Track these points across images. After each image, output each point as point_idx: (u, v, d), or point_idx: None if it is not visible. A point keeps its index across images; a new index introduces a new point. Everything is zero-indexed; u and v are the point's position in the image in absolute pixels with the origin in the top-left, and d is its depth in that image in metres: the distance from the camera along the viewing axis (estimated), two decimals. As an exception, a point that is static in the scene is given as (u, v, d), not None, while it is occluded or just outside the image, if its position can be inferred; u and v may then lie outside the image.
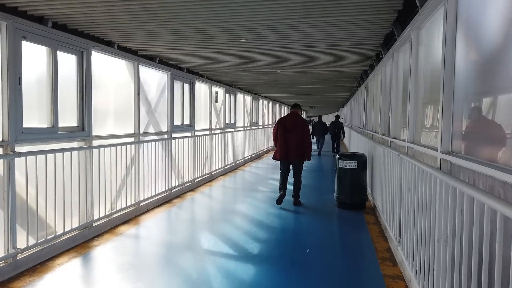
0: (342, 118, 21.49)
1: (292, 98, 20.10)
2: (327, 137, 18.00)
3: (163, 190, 7.13)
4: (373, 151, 6.67)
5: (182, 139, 7.97)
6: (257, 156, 15.94)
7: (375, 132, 7.50)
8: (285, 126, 6.78)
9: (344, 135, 18.10)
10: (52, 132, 4.41)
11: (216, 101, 10.76)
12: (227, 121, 11.74)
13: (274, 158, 6.94)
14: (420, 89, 3.91)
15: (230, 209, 6.82)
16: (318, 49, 6.16)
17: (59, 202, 4.40)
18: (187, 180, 8.30)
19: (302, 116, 7.55)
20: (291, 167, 6.91)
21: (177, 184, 7.83)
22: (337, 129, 17.21)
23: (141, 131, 6.55)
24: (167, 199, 7.29)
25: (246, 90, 14.13)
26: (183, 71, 8.25)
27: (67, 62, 4.79)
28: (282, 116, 9.32)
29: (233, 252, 4.57)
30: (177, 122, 7.99)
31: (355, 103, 14.11)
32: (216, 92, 10.79)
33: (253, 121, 15.89)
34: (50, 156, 4.25)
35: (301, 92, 15.98)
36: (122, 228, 5.46)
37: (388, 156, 4.78)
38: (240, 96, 13.59)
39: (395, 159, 4.27)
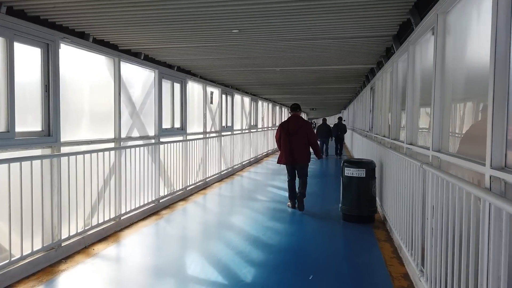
0: (344, 120, 20.93)
1: (292, 100, 19.41)
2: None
3: (150, 200, 6.43)
4: (383, 157, 5.96)
5: (172, 144, 7.28)
6: (256, 161, 15.23)
7: (384, 136, 6.79)
8: (288, 129, 6.64)
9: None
10: (7, 138, 3.72)
11: (211, 102, 10.06)
12: (224, 124, 11.04)
13: (279, 162, 6.81)
14: (447, 86, 3.21)
15: (223, 223, 6.11)
16: (321, 43, 5.46)
17: (16, 220, 3.70)
18: (178, 189, 7.60)
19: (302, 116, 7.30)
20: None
21: (166, 193, 7.13)
22: (340, 131, 16.94)
23: (123, 135, 5.86)
24: (155, 210, 6.59)
25: (244, 91, 13.44)
26: (173, 69, 7.56)
27: (31, 56, 4.11)
28: (284, 119, 8.87)
29: (222, 279, 3.86)
30: (166, 125, 7.29)
31: (359, 104, 13.42)
32: (211, 93, 10.10)
33: (252, 124, 15.19)
34: (3, 167, 3.56)
35: (302, 93, 15.29)
36: (98, 247, 4.75)
37: (405, 165, 4.08)
38: (237, 97, 12.89)
39: (415, 170, 3.57)
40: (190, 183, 8.19)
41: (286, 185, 6.98)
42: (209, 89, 9.91)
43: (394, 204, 4.86)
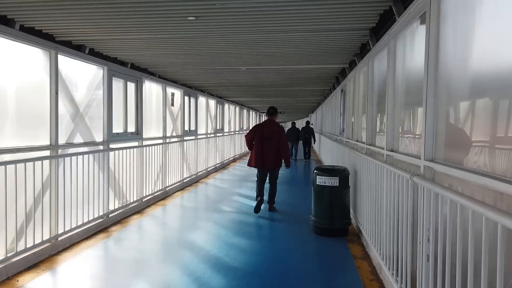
0: (312, 124, 20.92)
1: (260, 103, 18.94)
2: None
3: (97, 215, 5.59)
4: (357, 164, 5.45)
5: (124, 150, 6.46)
6: (222, 166, 14.52)
7: (358, 141, 6.31)
8: (262, 133, 6.62)
9: (315, 141, 18.07)
10: None
11: (172, 104, 9.29)
12: (187, 128, 10.27)
13: (249, 165, 6.82)
14: (441, 82, 2.69)
15: (182, 240, 5.36)
16: (290, 36, 4.87)
17: None
18: (132, 200, 6.79)
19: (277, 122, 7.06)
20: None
21: (117, 207, 6.30)
22: (307, 134, 17.11)
23: (62, 141, 5.01)
24: (103, 226, 5.75)
25: (209, 93, 12.72)
26: (127, 67, 6.76)
27: None
28: (252, 123, 8.45)
29: (174, 318, 3.15)
30: (118, 129, 6.47)
31: (328, 107, 13.04)
32: (172, 94, 9.32)
33: (218, 128, 14.48)
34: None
35: (270, 96, 14.77)
36: (24, 278, 3.90)
37: (387, 174, 3.54)
38: (202, 99, 12.15)
39: (402, 182, 3.03)
40: (147, 194, 7.38)
41: (253, 194, 6.48)
42: (170, 90, 9.13)
43: (371, 217, 4.33)
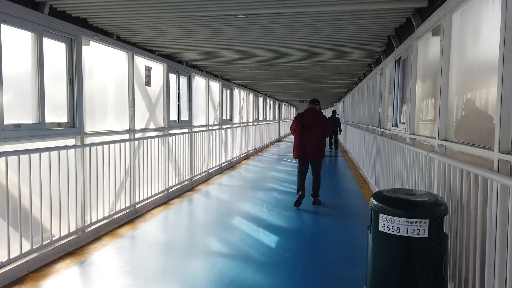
0: (338, 114, 20.97)
1: (274, 87, 15.79)
2: None
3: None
4: (456, 186, 2.97)
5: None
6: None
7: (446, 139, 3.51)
8: (303, 123, 6.35)
9: (341, 131, 18.00)
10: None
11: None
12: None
13: (294, 156, 6.57)
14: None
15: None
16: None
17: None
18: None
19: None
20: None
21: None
22: (333, 124, 17.18)
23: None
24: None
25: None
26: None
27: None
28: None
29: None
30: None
31: (362, 94, 11.05)
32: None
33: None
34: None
35: (294, 84, 13.61)
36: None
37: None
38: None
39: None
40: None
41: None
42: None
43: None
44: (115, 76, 5.80)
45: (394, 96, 6.09)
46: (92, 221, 4.69)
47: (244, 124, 14.02)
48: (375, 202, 2.65)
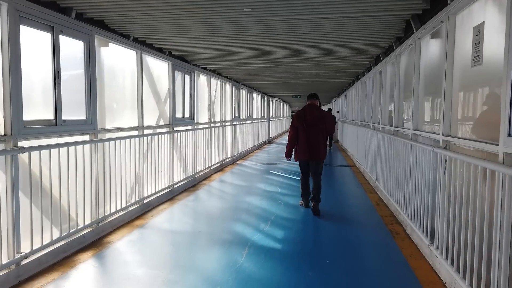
0: (338, 111, 20.59)
1: (268, 82, 14.25)
2: None
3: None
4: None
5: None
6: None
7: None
8: (305, 120, 5.77)
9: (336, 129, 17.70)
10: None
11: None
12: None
13: (297, 159, 5.93)
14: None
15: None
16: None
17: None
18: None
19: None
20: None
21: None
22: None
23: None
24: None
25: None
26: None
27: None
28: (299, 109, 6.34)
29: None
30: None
31: (364, 91, 10.34)
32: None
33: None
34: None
35: (281, 69, 10.62)
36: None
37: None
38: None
39: None
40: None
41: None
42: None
43: None
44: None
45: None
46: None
47: (218, 124, 10.61)
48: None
